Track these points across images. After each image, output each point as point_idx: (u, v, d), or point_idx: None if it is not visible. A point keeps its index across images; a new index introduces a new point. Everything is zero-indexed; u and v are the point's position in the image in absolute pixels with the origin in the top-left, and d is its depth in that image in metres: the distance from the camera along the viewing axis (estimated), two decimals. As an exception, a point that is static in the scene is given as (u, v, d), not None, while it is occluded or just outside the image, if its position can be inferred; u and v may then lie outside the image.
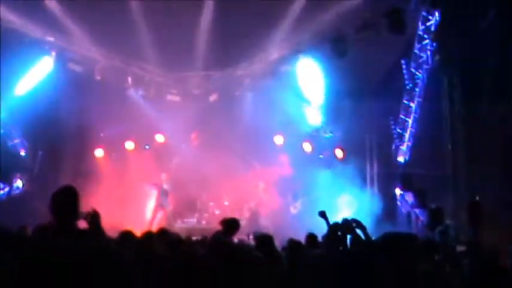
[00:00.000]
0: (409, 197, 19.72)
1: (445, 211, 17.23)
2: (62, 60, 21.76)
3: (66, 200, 5.84)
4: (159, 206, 21.91)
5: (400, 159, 20.36)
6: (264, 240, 8.55)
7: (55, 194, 5.83)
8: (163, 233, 9.15)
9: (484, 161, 16.54)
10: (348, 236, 7.74)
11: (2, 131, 21.49)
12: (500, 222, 14.73)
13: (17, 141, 22.39)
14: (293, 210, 21.88)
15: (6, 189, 21.94)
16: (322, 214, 8.44)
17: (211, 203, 23.50)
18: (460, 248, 11.57)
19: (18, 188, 22.47)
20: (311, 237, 9.62)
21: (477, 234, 14.18)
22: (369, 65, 19.64)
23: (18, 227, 9.68)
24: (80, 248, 5.47)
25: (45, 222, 5.86)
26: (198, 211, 23.52)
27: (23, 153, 22.68)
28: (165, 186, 22.12)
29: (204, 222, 22.83)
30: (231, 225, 10.54)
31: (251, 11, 17.46)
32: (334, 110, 21.17)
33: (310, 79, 21.18)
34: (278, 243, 9.64)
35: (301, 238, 9.55)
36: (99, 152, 23.74)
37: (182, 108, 23.55)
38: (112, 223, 8.29)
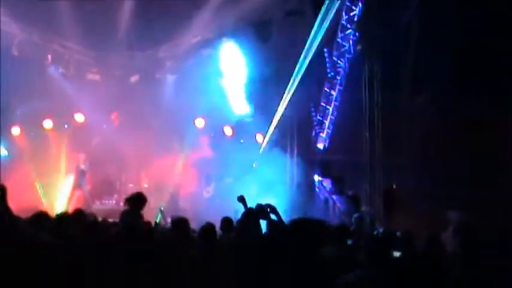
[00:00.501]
0: (327, 184, 20.03)
1: (361, 198, 17.67)
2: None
3: None
4: (77, 186, 21.56)
5: (320, 146, 20.65)
6: (179, 223, 8.51)
7: None
8: (79, 214, 8.98)
9: (402, 150, 16.94)
10: (263, 222, 7.83)
11: None
12: (416, 212, 15.10)
13: None
14: (206, 194, 21.93)
15: None
16: (241, 199, 8.50)
17: (131, 185, 23.18)
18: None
19: None
20: (226, 221, 9.64)
21: (390, 220, 14.57)
22: (292, 50, 19.76)
23: None
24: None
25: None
26: (117, 192, 23.18)
27: None
28: (83, 167, 21.75)
29: (122, 204, 22.51)
30: (136, 200, 10.51)
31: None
32: (256, 95, 21.26)
33: (233, 63, 21.21)
34: (196, 226, 9.61)
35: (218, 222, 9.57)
36: (15, 130, 23.07)
37: (103, 87, 23.10)
38: (28, 203, 8.11)
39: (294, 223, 6.50)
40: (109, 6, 19.03)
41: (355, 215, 12.28)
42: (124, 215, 10.45)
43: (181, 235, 8.19)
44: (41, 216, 8.17)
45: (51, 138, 23.03)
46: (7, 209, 6.17)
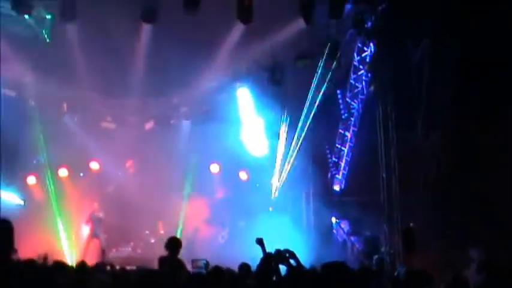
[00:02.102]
0: (345, 225, 19.90)
1: (379, 238, 17.52)
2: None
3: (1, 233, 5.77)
4: (93, 234, 21.52)
5: (336, 187, 20.57)
6: (217, 274, 8.39)
7: None
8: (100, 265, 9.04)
9: (417, 188, 16.87)
10: (282, 266, 7.76)
11: None
12: (432, 249, 15.00)
13: None
14: (221, 240, 21.87)
15: None
16: (259, 241, 8.42)
17: (147, 232, 23.15)
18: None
19: None
20: (245, 267, 9.56)
21: (411, 259, 14.43)
22: (305, 93, 19.82)
23: None
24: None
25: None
26: (133, 240, 23.12)
27: None
28: (99, 215, 21.75)
29: (139, 250, 22.47)
30: (176, 244, 10.50)
31: (189, 37, 17.43)
32: (271, 138, 21.29)
33: (248, 107, 21.33)
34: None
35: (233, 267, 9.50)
36: (31, 179, 23.18)
37: (118, 135, 23.21)
38: (45, 252, 8.10)
39: (320, 268, 6.41)
40: (123, 54, 19.17)
41: (376, 256, 12.18)
42: (164, 261, 10.41)
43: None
44: (59, 265, 8.18)
45: (67, 186, 23.06)
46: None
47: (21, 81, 21.58)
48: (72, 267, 9.32)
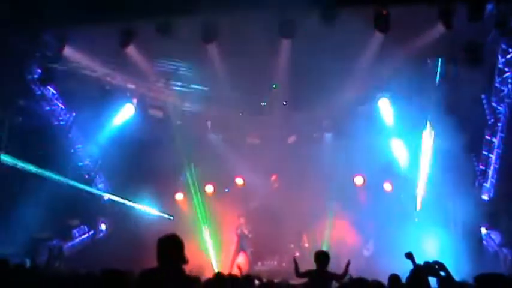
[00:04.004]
0: (496, 236, 19.08)
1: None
2: (143, 106, 22.33)
3: (174, 247, 6.32)
4: (240, 248, 21.94)
5: (484, 196, 19.80)
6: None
7: (162, 240, 6.08)
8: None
9: None
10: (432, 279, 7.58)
11: (86, 177, 22.17)
12: None
13: (100, 186, 23.00)
14: (365, 252, 21.58)
15: (91, 232, 22.49)
16: (409, 255, 8.30)
17: (292, 245, 23.24)
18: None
19: (102, 231, 23.00)
20: (395, 278, 9.42)
21: None
22: (448, 100, 19.28)
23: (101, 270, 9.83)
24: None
25: (152, 267, 6.37)
26: (278, 253, 23.28)
27: (106, 197, 23.25)
28: (244, 229, 22.14)
29: (284, 264, 22.55)
30: (326, 258, 10.56)
31: (328, 50, 17.43)
32: (414, 147, 20.86)
33: (389, 118, 21.06)
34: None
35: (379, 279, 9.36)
36: (179, 196, 24.05)
37: (261, 150, 23.57)
38: (195, 266, 8.36)
39: (478, 279, 6.18)
40: (264, 70, 19.48)
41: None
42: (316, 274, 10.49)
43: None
44: (219, 276, 8.58)
45: (213, 202, 23.68)
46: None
47: (168, 102, 22.49)
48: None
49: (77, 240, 22.01)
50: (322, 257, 10.81)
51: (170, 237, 6.36)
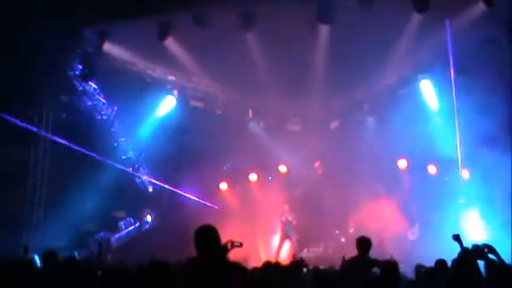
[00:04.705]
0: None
1: None
2: (183, 97, 22.46)
3: (211, 236, 6.46)
4: (285, 236, 21.96)
5: (533, 178, 19.37)
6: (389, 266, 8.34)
7: (197, 233, 6.46)
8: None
9: None
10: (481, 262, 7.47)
11: (130, 169, 22.41)
12: None
13: (145, 178, 23.22)
14: (411, 236, 21.35)
15: (137, 224, 22.74)
16: (456, 237, 8.20)
17: (337, 231, 23.18)
18: None
19: (147, 223, 23.23)
20: (441, 262, 9.33)
21: None
22: (492, 80, 18.91)
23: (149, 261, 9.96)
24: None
25: (191, 257, 6.52)
26: (323, 240, 23.27)
27: (150, 189, 23.47)
28: (290, 218, 22.12)
29: (330, 250, 22.53)
30: (367, 243, 10.49)
31: (366, 33, 17.31)
32: (460, 128, 20.53)
33: (432, 99, 20.80)
34: (404, 269, 9.41)
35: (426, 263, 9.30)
36: (223, 185, 24.16)
37: (303, 137, 23.55)
38: (241, 254, 8.41)
39: None
40: (303, 56, 19.43)
41: None
42: (354, 261, 10.46)
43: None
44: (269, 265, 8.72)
45: (257, 190, 23.76)
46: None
47: (208, 93, 22.58)
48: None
49: (124, 232, 22.30)
50: (363, 243, 10.71)
51: (204, 227, 6.46)
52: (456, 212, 19.80)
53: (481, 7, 16.11)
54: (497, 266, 7.18)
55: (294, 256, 19.01)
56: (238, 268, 6.48)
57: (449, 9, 16.64)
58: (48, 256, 9.91)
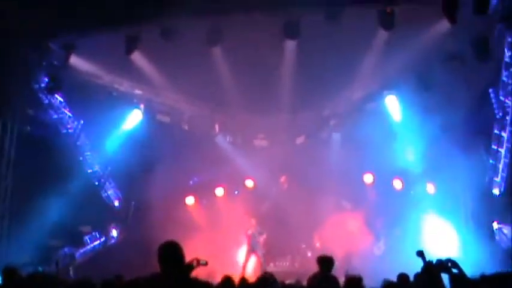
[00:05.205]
0: (508, 231, 18.98)
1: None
2: (150, 111, 22.41)
3: (175, 253, 6.36)
4: (251, 250, 21.95)
5: (495, 191, 19.71)
6: (353, 281, 8.39)
7: (161, 249, 6.34)
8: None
9: None
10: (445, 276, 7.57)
11: (96, 183, 22.24)
12: None
13: (110, 192, 23.07)
14: (376, 251, 21.54)
15: (103, 239, 22.54)
16: (420, 253, 8.29)
17: (303, 246, 23.30)
18: None
19: (113, 237, 23.04)
20: (403, 277, 9.42)
21: None
22: (456, 96, 19.24)
23: (114, 276, 9.89)
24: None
25: (155, 273, 6.42)
26: (290, 254, 23.34)
27: (116, 203, 23.32)
28: (255, 231, 22.12)
29: (296, 265, 22.63)
30: (329, 262, 10.49)
31: (332, 49, 17.47)
32: (423, 144, 20.78)
33: (397, 115, 21.05)
34: (369, 284, 9.46)
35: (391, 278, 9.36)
36: (189, 200, 24.09)
37: (270, 152, 23.65)
38: (207, 270, 8.39)
39: (488, 278, 6.15)
40: (270, 72, 19.49)
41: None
42: (316, 279, 10.43)
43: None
44: (227, 281, 8.61)
45: (224, 205, 23.76)
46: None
47: (175, 107, 22.57)
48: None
49: (89, 247, 22.07)
50: (324, 262, 10.70)
51: (168, 244, 6.43)
52: (421, 225, 20.05)
53: (445, 24, 16.36)
54: (460, 280, 7.27)
55: (260, 270, 19.05)
56: (202, 286, 6.46)
57: (415, 26, 16.85)
58: (8, 272, 9.76)
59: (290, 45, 18.47)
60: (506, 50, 17.95)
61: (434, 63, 19.08)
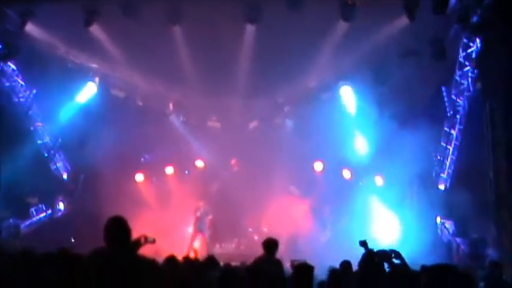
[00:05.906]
0: (450, 226, 19.43)
1: (486, 240, 16.99)
2: (105, 86, 22.18)
3: (121, 228, 6.35)
4: (197, 231, 21.99)
5: (441, 186, 20.15)
6: (302, 270, 8.44)
7: (107, 224, 6.30)
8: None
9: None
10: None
11: (45, 155, 21.96)
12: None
13: (59, 164, 22.82)
14: (323, 238, 21.83)
15: (49, 211, 22.27)
16: (363, 243, 8.46)
17: (250, 229, 23.48)
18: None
19: (60, 210, 22.79)
20: (346, 264, 9.57)
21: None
22: (410, 92, 19.57)
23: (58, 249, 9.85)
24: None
25: (99, 248, 6.35)
26: (236, 236, 23.50)
27: (65, 176, 23.07)
28: (203, 212, 22.17)
29: (242, 247, 22.76)
30: (274, 246, 10.59)
31: (292, 36, 17.54)
32: (375, 137, 21.05)
33: (351, 106, 21.27)
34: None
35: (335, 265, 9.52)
36: (139, 177, 24.00)
37: (222, 134, 23.71)
38: (153, 248, 8.41)
39: (426, 270, 6.28)
40: (228, 55, 19.47)
41: (489, 260, 11.80)
42: (261, 261, 10.52)
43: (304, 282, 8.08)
44: (171, 260, 8.62)
45: (173, 183, 23.74)
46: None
47: (130, 83, 22.37)
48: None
49: (35, 219, 21.79)
50: (269, 245, 10.81)
51: (115, 219, 6.39)
52: (367, 215, 20.38)
53: (405, 21, 16.62)
54: (401, 270, 7.46)
55: (206, 252, 19.15)
56: (148, 264, 6.46)
57: (375, 20, 17.03)
58: None
59: (250, 29, 18.46)
60: (460, 51, 18.29)
61: (391, 58, 19.33)
